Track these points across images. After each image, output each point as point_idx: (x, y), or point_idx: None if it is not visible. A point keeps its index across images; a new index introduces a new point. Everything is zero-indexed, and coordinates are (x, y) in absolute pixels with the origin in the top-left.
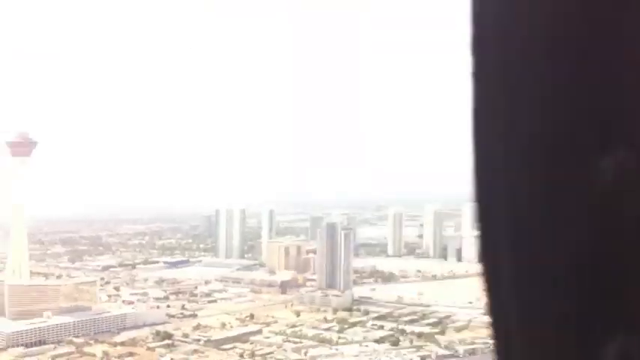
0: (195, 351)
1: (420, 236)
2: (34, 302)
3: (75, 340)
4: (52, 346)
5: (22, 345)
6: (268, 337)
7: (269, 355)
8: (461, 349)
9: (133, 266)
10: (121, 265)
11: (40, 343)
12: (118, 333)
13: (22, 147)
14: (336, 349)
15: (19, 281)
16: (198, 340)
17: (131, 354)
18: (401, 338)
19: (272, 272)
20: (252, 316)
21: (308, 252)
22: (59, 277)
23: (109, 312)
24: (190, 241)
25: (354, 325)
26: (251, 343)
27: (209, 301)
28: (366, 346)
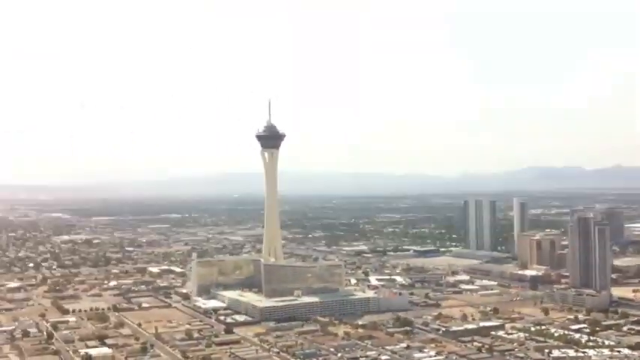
0: (433, 340)
1: None
2: (287, 281)
3: (321, 319)
4: (300, 323)
5: (274, 320)
6: (511, 334)
7: (508, 352)
8: None
9: (384, 253)
10: (372, 251)
11: (290, 319)
12: (361, 316)
13: (271, 140)
14: (584, 352)
15: (273, 262)
16: (438, 330)
17: (370, 337)
18: None
19: (523, 266)
20: (496, 310)
21: (564, 247)
22: (315, 259)
23: (354, 295)
24: (443, 231)
25: (608, 327)
26: (492, 338)
27: (454, 292)
28: (618, 351)
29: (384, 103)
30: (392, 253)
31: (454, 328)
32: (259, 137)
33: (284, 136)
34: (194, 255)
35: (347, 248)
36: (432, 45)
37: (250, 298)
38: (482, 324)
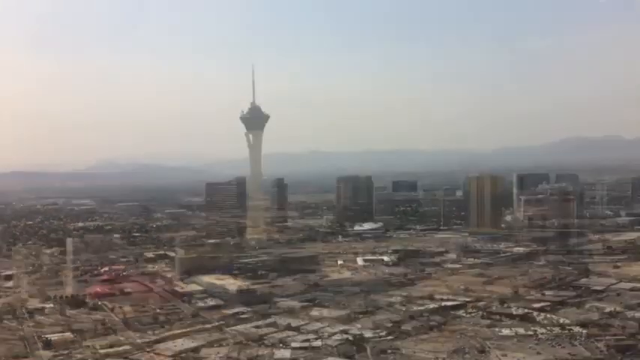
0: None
1: None
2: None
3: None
4: (268, 305)
5: (243, 303)
6: (470, 312)
7: (459, 331)
8: None
9: (384, 233)
10: (372, 231)
11: (262, 302)
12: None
13: (255, 121)
14: (533, 331)
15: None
16: (399, 311)
17: None
18: None
19: (517, 243)
20: (466, 289)
21: None
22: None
23: (327, 277)
24: (454, 208)
25: (572, 305)
26: (453, 318)
27: (435, 271)
28: (570, 329)
29: (417, 78)
30: (392, 232)
31: (413, 309)
32: (243, 119)
33: (268, 117)
34: (177, 239)
35: (349, 229)
36: (454, 15)
37: (226, 282)
38: (444, 304)
